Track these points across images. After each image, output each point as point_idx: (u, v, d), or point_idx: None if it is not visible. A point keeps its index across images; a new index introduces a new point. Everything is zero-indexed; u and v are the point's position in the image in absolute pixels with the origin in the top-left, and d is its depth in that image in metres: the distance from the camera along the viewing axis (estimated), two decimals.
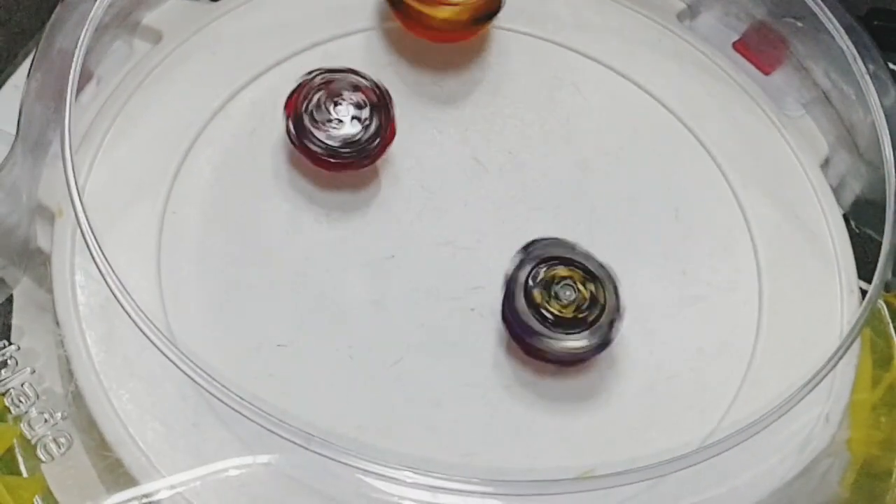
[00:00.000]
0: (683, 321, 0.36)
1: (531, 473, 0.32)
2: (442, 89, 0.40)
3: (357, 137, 0.35)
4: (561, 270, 0.34)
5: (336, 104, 0.35)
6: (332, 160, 0.35)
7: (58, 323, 0.32)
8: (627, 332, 0.35)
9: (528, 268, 0.34)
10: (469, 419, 0.34)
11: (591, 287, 0.34)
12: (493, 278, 0.36)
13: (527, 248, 0.35)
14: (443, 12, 0.38)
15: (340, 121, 0.35)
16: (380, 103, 0.36)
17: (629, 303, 0.35)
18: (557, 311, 0.34)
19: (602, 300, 0.34)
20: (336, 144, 0.35)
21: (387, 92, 0.36)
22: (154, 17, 0.39)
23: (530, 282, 0.34)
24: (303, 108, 0.35)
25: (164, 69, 0.38)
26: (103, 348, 0.32)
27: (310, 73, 0.36)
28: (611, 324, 0.34)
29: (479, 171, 0.38)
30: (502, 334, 0.35)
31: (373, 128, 0.36)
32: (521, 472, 0.32)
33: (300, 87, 0.36)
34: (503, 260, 0.37)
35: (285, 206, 0.36)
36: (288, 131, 0.35)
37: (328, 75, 0.36)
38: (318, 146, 0.35)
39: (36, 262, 0.34)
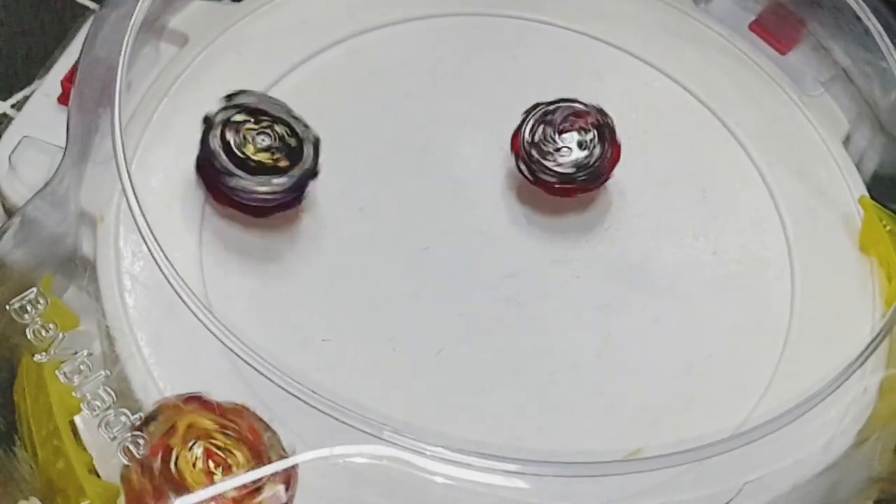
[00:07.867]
0: (718, 301, 0.37)
1: (581, 455, 0.33)
2: (466, 82, 0.40)
3: (586, 161, 0.36)
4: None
5: (560, 132, 0.36)
6: (567, 186, 0.36)
7: (108, 328, 0.33)
8: (665, 314, 0.36)
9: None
10: (515, 406, 0.34)
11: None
12: (526, 266, 0.37)
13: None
14: None
15: (568, 148, 0.36)
16: (601, 124, 0.37)
17: (666, 284, 0.36)
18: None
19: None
20: (569, 171, 0.36)
21: (606, 113, 0.37)
22: (179, 20, 0.40)
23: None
24: (529, 142, 0.37)
25: (192, 72, 0.38)
26: (155, 350, 0.32)
27: (531, 109, 0.37)
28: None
29: (507, 161, 0.38)
30: (539, 321, 0.36)
31: (598, 150, 0.36)
32: (571, 455, 0.33)
33: (523, 122, 0.37)
34: (535, 248, 0.37)
35: (318, 202, 0.37)
36: (519, 167, 0.37)
37: (547, 107, 0.37)
38: (552, 176, 0.36)
39: (80, 269, 0.34)
